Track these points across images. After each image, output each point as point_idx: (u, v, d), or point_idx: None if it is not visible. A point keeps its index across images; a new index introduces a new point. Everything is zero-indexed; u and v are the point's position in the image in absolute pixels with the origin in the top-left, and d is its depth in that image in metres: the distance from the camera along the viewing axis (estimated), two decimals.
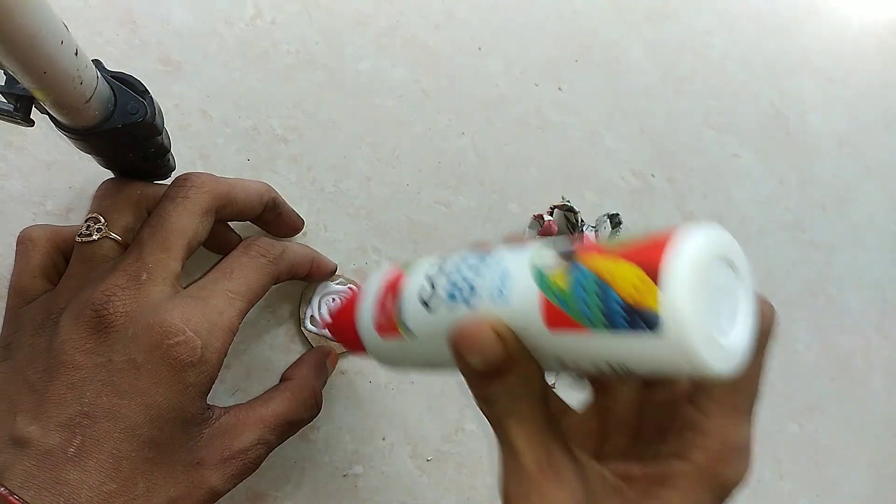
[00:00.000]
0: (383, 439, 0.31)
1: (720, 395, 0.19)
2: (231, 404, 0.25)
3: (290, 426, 0.26)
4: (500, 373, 0.18)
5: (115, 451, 0.20)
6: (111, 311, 0.22)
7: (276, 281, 0.26)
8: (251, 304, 0.24)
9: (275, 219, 0.29)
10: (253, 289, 0.24)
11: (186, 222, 0.24)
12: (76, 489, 0.20)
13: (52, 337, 0.22)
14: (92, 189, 0.29)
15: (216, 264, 0.25)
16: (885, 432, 0.45)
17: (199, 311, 0.22)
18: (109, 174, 0.26)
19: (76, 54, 0.18)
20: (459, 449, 0.33)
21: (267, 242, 0.26)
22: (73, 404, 0.21)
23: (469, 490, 0.32)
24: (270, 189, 0.28)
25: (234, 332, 0.23)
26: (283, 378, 0.28)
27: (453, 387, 0.33)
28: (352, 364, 0.32)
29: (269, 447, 0.25)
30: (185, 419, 0.22)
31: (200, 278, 0.24)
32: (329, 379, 0.31)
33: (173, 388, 0.21)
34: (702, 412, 0.19)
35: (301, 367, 0.28)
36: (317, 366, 0.28)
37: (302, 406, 0.26)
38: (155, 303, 0.22)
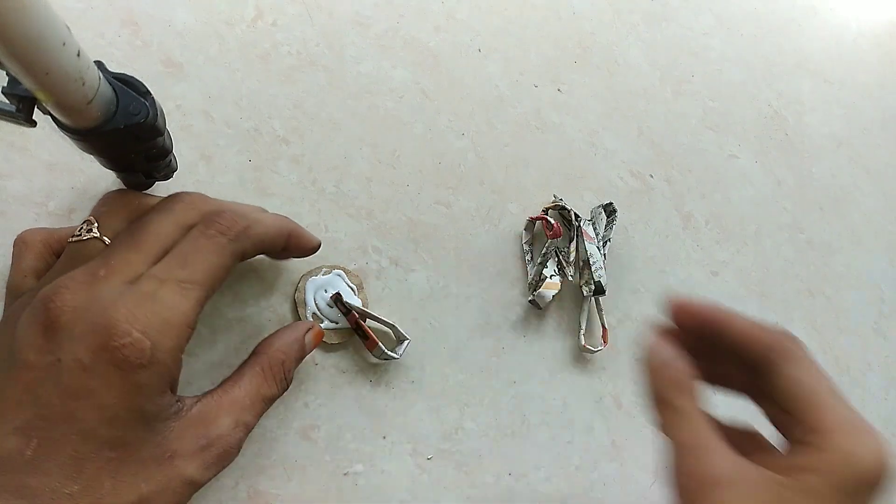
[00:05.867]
0: (384, 438, 0.31)
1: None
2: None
3: (264, 403, 0.25)
4: None
5: (73, 453, 0.20)
6: (59, 304, 0.21)
7: (244, 257, 0.24)
8: (211, 291, 0.23)
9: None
10: (210, 275, 0.23)
11: (168, 230, 0.23)
12: (37, 492, 0.19)
13: (14, 334, 0.21)
14: (94, 189, 0.29)
15: (173, 248, 0.23)
16: (882, 431, 0.45)
17: (148, 309, 0.21)
18: (111, 175, 0.26)
19: (78, 56, 0.18)
20: (459, 447, 0.33)
21: (230, 217, 0.24)
22: (29, 407, 0.20)
23: (469, 489, 0.32)
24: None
25: (190, 325, 0.22)
26: (255, 351, 0.27)
27: (453, 385, 0.34)
28: (352, 363, 0.32)
29: (248, 428, 0.24)
30: (144, 417, 0.21)
31: (154, 266, 0.23)
32: (330, 378, 0.31)
33: (125, 390, 0.20)
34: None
35: (273, 341, 0.27)
36: (292, 340, 0.27)
37: (272, 380, 0.26)
38: (104, 300, 0.21)
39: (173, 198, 0.25)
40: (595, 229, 0.37)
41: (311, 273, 0.31)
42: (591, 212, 0.38)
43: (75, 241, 0.24)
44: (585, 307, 0.37)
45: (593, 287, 0.35)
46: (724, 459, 0.24)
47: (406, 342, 0.31)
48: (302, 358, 0.28)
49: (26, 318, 0.21)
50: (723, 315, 0.27)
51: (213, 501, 0.28)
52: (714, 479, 0.23)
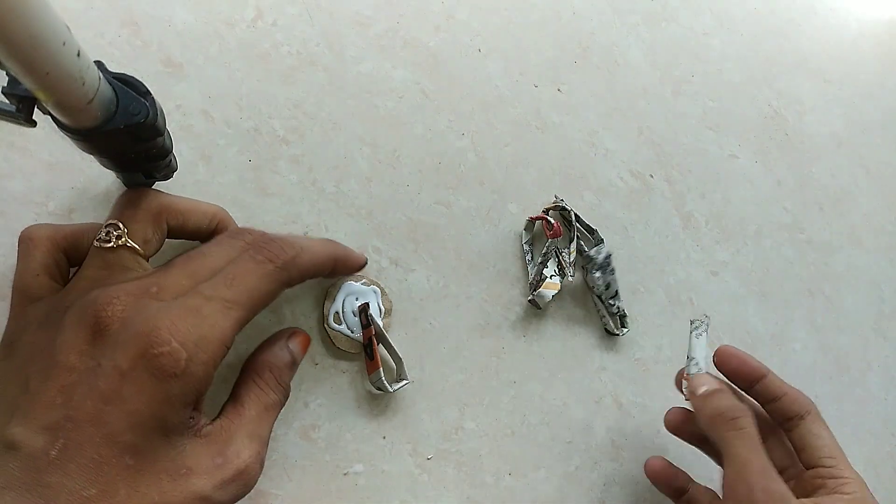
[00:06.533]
0: (384, 438, 0.31)
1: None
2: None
3: (268, 411, 0.25)
4: None
5: (95, 457, 0.20)
6: (110, 314, 0.21)
7: (289, 285, 0.25)
8: (252, 313, 0.23)
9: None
10: (254, 298, 0.23)
11: (224, 265, 0.24)
12: (56, 492, 0.20)
13: (55, 335, 0.22)
14: (94, 189, 0.29)
15: (224, 267, 0.24)
16: (882, 431, 0.45)
17: (190, 322, 0.21)
18: (111, 174, 0.26)
19: (78, 56, 0.18)
20: (459, 447, 0.33)
21: (279, 246, 0.25)
22: (61, 408, 0.20)
23: (469, 488, 0.32)
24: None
25: (226, 344, 0.22)
26: (243, 369, 0.27)
27: (453, 385, 0.34)
28: (352, 363, 0.32)
29: (264, 441, 0.24)
30: (166, 429, 0.21)
31: (204, 283, 0.23)
32: (330, 378, 0.31)
33: (156, 398, 0.21)
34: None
35: (256, 353, 0.27)
36: (274, 348, 0.27)
37: (268, 388, 0.26)
38: (151, 312, 0.22)
39: (236, 234, 0.25)
40: (601, 274, 0.37)
41: (352, 277, 0.32)
42: (586, 271, 0.37)
43: (105, 247, 0.24)
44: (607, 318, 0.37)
45: (619, 319, 0.38)
46: (778, 482, 0.28)
47: (405, 382, 0.31)
48: (292, 363, 0.28)
49: (72, 322, 0.22)
50: (763, 369, 0.33)
51: None
52: (780, 495, 0.28)
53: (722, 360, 0.33)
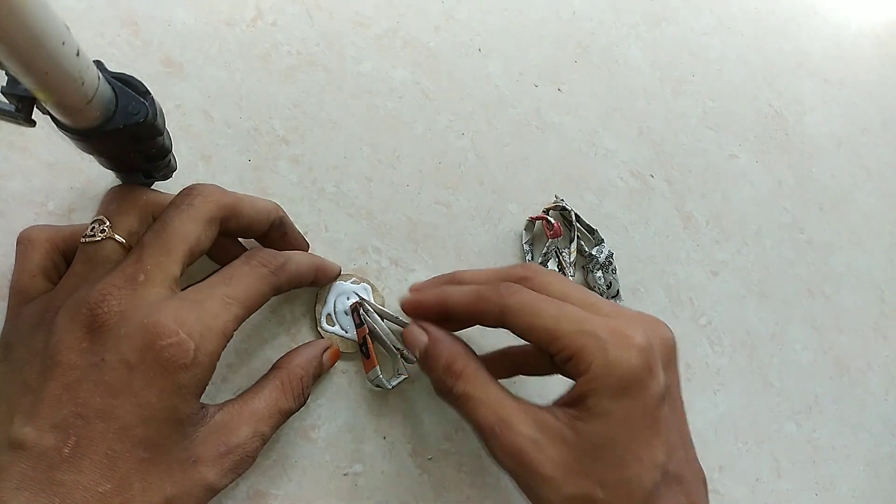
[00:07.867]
0: (384, 438, 0.31)
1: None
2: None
3: (281, 415, 0.26)
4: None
5: (109, 452, 0.20)
6: (106, 310, 0.21)
7: (278, 292, 0.26)
8: (249, 312, 0.24)
9: (280, 238, 0.29)
10: (251, 296, 0.24)
11: (189, 228, 0.24)
12: (71, 490, 0.20)
13: (48, 336, 0.22)
14: (94, 189, 0.29)
15: (217, 270, 0.25)
16: (882, 431, 0.45)
17: (194, 314, 0.22)
18: (111, 174, 0.26)
19: (78, 55, 0.18)
20: (460, 448, 0.33)
21: (269, 253, 0.26)
22: (68, 405, 0.20)
23: (469, 489, 0.32)
24: (278, 208, 0.28)
25: (228, 336, 0.23)
26: (275, 366, 0.28)
27: None
28: (352, 363, 0.32)
29: (265, 439, 0.25)
30: (179, 419, 0.22)
31: (199, 282, 0.24)
32: (330, 378, 0.31)
33: (166, 389, 0.21)
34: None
35: (293, 357, 0.28)
36: (311, 357, 0.28)
37: (290, 395, 0.26)
38: (150, 303, 0.22)
39: (190, 191, 0.25)
40: (603, 274, 0.37)
41: (340, 277, 0.32)
42: (588, 270, 0.37)
43: (89, 242, 0.24)
44: None
45: None
46: (523, 424, 0.24)
47: (402, 377, 0.31)
48: (319, 375, 0.29)
49: (66, 321, 0.22)
50: (437, 297, 0.28)
51: (213, 501, 0.28)
52: (523, 449, 0.24)
53: (410, 313, 0.29)
